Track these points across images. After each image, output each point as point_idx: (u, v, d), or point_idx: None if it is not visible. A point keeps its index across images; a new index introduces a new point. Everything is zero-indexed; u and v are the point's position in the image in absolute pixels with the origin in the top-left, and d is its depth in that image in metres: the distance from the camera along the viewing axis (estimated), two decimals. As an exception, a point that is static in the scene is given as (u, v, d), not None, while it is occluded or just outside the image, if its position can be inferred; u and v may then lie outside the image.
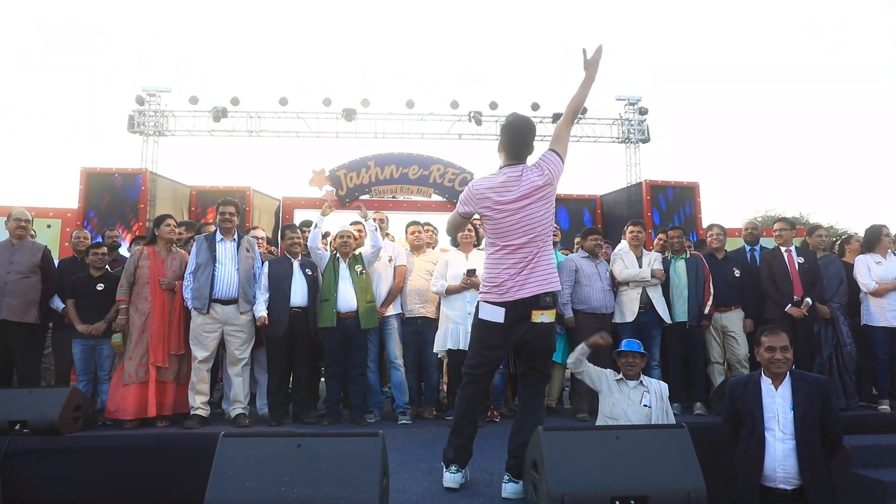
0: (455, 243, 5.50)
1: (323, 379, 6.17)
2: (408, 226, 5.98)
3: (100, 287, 5.22)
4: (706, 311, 5.46)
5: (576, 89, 3.28)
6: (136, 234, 8.65)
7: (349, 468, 2.35)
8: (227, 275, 4.94)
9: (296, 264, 5.25)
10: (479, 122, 12.73)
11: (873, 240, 5.61)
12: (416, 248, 5.80)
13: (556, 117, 12.76)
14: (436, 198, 11.35)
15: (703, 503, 2.51)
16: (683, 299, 5.44)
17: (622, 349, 4.39)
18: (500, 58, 61.71)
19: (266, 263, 5.21)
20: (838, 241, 6.45)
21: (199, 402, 4.87)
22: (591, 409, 5.39)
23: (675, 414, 5.06)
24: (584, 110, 12.87)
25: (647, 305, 5.40)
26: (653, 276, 5.40)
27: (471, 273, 4.98)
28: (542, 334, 3.13)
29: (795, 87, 57.33)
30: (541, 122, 12.90)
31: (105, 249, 5.46)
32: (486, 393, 3.38)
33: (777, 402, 3.21)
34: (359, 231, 5.54)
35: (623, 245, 5.74)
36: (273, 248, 6.90)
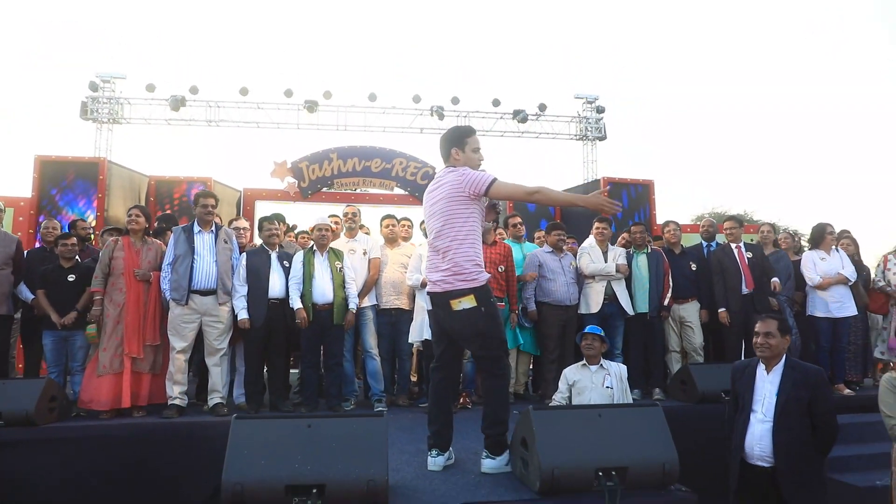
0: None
1: (294, 370, 6.27)
2: (382, 219, 6.11)
3: (71, 278, 5.19)
4: (665, 302, 5.79)
5: (562, 193, 3.52)
6: (97, 224, 8.51)
7: (358, 446, 2.51)
8: (206, 266, 4.97)
9: (273, 256, 5.32)
10: (441, 117, 12.91)
11: (818, 237, 6.06)
12: (391, 241, 5.94)
13: (515, 113, 13.07)
14: (398, 191, 11.45)
15: (676, 472, 2.78)
16: (645, 292, 5.76)
17: (584, 332, 4.68)
18: (462, 54, 61.98)
19: (244, 255, 5.27)
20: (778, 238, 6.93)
21: (177, 391, 4.90)
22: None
23: (634, 399, 5.40)
24: (544, 107, 13.23)
25: (611, 297, 5.70)
26: (617, 271, 5.69)
27: None
28: (466, 320, 3.23)
29: (737, 88, 59.48)
30: (500, 118, 13.20)
31: (74, 240, 5.41)
32: (453, 379, 3.55)
33: (766, 387, 3.44)
34: (336, 223, 5.65)
35: (590, 240, 6.02)
36: None
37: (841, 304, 5.78)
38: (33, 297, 5.28)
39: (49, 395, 4.55)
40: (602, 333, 4.65)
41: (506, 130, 13.40)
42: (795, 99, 57.08)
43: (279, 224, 5.71)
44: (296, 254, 5.43)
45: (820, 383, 3.39)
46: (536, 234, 7.01)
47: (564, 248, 6.00)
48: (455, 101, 12.94)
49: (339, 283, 5.29)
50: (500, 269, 5.53)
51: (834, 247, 5.99)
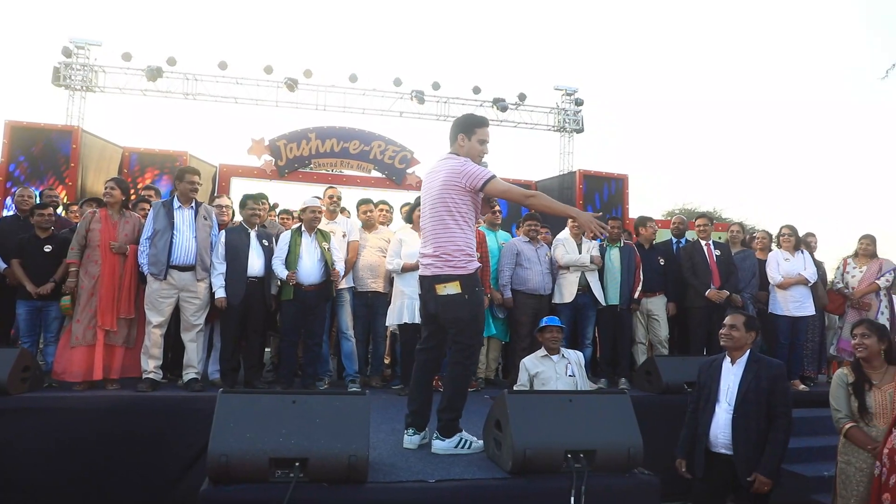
0: (409, 220, 5.74)
1: (267, 349, 6.32)
2: (359, 204, 6.16)
3: (47, 249, 5.17)
4: (636, 296, 5.98)
5: (557, 202, 3.50)
6: (69, 194, 8.39)
7: (341, 423, 2.60)
8: (185, 242, 4.97)
9: (253, 234, 5.34)
10: (421, 101, 12.93)
11: (777, 238, 6.32)
12: (368, 226, 6.01)
13: (496, 101, 13.14)
14: (375, 174, 11.47)
15: (640, 457, 2.94)
16: (616, 284, 5.93)
17: (543, 324, 4.83)
18: (444, 40, 61.58)
19: (223, 232, 5.28)
20: (751, 238, 7.16)
21: (151, 366, 4.92)
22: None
23: (600, 387, 5.61)
24: (523, 97, 13.33)
25: (584, 288, 5.87)
26: (591, 262, 5.85)
27: None
28: (447, 306, 3.31)
29: (711, 86, 60.36)
30: (481, 105, 13.25)
31: (51, 210, 5.37)
32: (437, 362, 3.65)
33: (730, 378, 3.65)
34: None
35: (565, 232, 6.16)
36: None
37: (800, 304, 6.03)
38: (6, 266, 5.22)
39: (22, 365, 4.54)
40: (561, 324, 4.82)
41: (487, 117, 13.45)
42: (767, 98, 58.20)
43: (262, 203, 5.74)
44: (281, 233, 5.46)
45: (779, 376, 3.58)
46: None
47: (539, 237, 6.13)
48: (436, 86, 12.95)
49: (328, 263, 5.34)
50: None
51: (800, 249, 6.22)
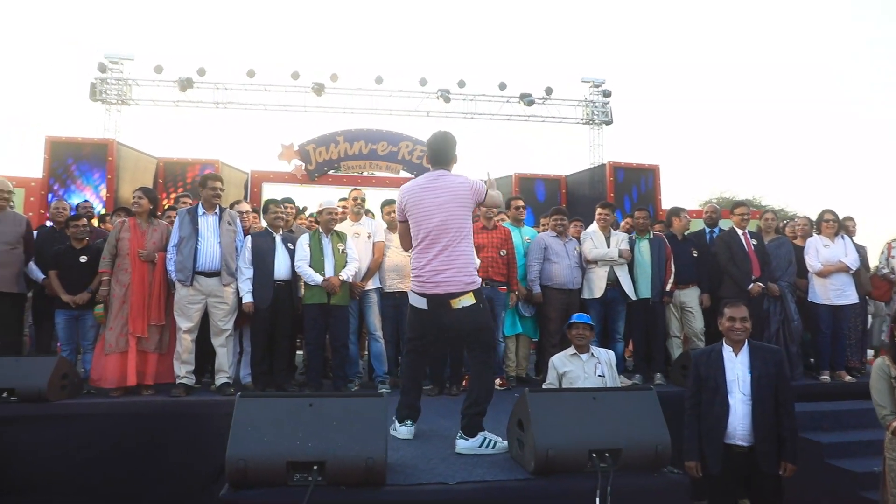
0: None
1: (300, 351, 6.36)
2: (383, 205, 6.14)
3: (83, 259, 5.30)
4: (668, 288, 5.83)
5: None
6: (106, 205, 8.61)
7: (357, 425, 2.58)
8: (210, 248, 5.03)
9: (278, 238, 5.37)
10: (447, 100, 12.90)
11: (818, 224, 6.08)
12: (393, 227, 5.99)
13: (522, 97, 13.02)
14: (404, 174, 11.49)
15: (668, 454, 2.84)
16: (647, 277, 5.79)
17: (572, 321, 4.73)
18: (468, 37, 61.43)
19: (249, 237, 5.33)
20: (785, 224, 6.92)
21: (184, 371, 5.00)
22: (559, 379, 5.74)
23: (635, 384, 5.47)
24: (550, 91, 13.18)
25: (613, 283, 5.74)
26: (620, 256, 5.73)
27: None
28: (467, 317, 3.42)
29: (749, 74, 58.85)
30: (507, 101, 13.17)
31: (85, 221, 5.50)
32: (423, 363, 3.87)
33: (737, 367, 3.58)
34: (344, 207, 5.70)
35: (593, 226, 6.05)
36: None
37: (841, 292, 5.80)
38: (44, 276, 5.37)
39: (61, 373, 4.67)
40: (590, 322, 4.69)
41: (512, 114, 13.37)
42: (806, 82, 56.46)
43: (287, 207, 5.77)
44: (300, 236, 5.49)
45: (782, 361, 3.62)
46: (542, 221, 7.03)
47: (569, 232, 6.03)
48: (461, 84, 12.90)
49: (342, 265, 5.35)
50: (501, 254, 5.58)
51: (840, 234, 5.98)
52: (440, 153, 3.62)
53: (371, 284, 5.70)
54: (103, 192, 8.93)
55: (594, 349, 4.68)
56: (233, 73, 12.66)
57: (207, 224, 5.09)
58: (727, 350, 3.66)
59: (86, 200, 7.31)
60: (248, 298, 5.12)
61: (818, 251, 5.89)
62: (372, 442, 2.55)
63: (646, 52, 59.43)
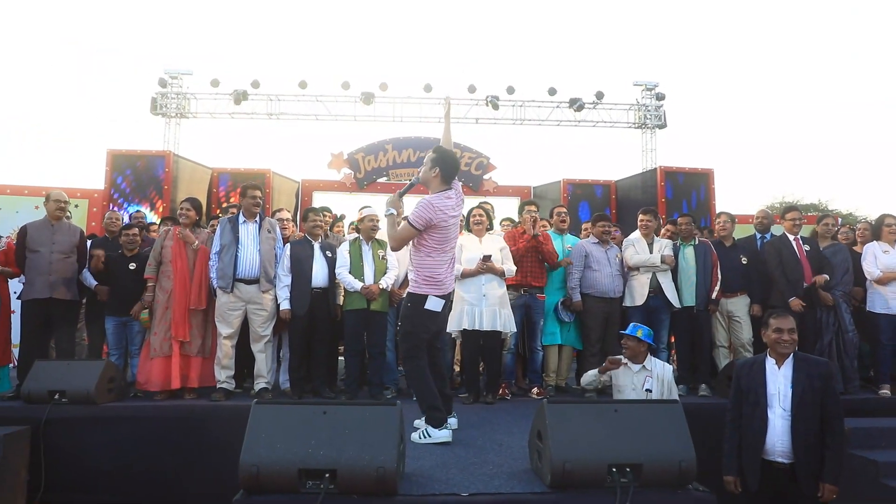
0: (468, 228, 5.67)
1: (341, 357, 6.43)
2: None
3: (132, 266, 5.51)
4: (713, 296, 5.60)
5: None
6: (161, 214, 8.94)
7: (369, 434, 2.57)
8: (249, 256, 5.16)
9: (316, 246, 5.45)
10: (495, 107, 12.84)
11: (878, 229, 5.73)
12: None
13: (572, 102, 12.85)
14: (452, 181, 11.48)
15: (692, 472, 2.70)
16: (691, 284, 5.59)
17: (622, 332, 4.60)
18: (517, 42, 61.18)
19: (288, 245, 5.43)
20: (846, 229, 6.57)
21: (224, 376, 5.14)
22: (598, 390, 5.60)
23: (680, 395, 5.26)
24: (601, 95, 12.95)
25: (656, 290, 5.57)
26: (663, 262, 5.55)
27: (486, 258, 5.17)
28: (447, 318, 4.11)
29: (813, 73, 56.39)
30: (557, 106, 13.01)
31: (136, 231, 5.73)
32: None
33: (779, 381, 3.40)
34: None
35: (635, 233, 5.89)
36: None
37: (903, 301, 5.45)
38: (96, 283, 5.62)
39: (108, 377, 4.87)
40: (637, 334, 4.52)
41: (562, 119, 13.20)
42: (881, 76, 53.61)
43: (325, 215, 5.85)
44: (340, 244, 5.56)
45: (829, 375, 3.39)
46: (583, 226, 6.91)
47: (610, 239, 5.90)
48: (510, 90, 12.82)
49: (382, 272, 5.39)
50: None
51: None
52: (456, 170, 3.97)
53: (409, 291, 5.69)
54: (160, 202, 9.27)
55: (652, 361, 4.53)
56: (286, 84, 12.97)
57: (248, 232, 5.22)
58: (770, 362, 3.49)
59: (138, 210, 7.63)
60: (285, 305, 5.21)
61: (877, 257, 5.56)
62: (384, 451, 2.54)
63: (700, 52, 57.80)
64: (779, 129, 52.11)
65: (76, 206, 9.11)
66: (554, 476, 2.65)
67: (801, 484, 3.23)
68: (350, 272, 5.32)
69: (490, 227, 5.66)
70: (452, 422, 3.96)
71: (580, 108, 12.85)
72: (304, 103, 12.88)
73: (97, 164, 9.99)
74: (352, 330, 5.38)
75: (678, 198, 9.99)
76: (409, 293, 4.01)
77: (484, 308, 5.12)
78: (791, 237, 5.78)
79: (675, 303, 5.59)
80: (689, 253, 5.71)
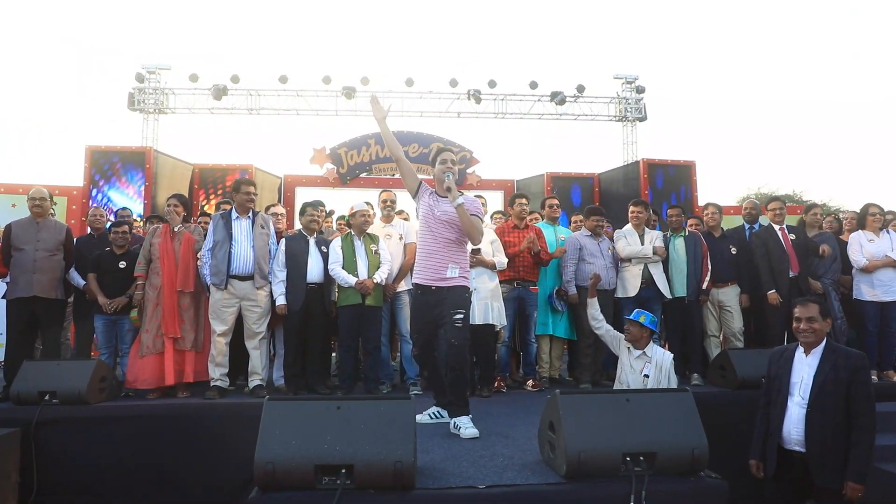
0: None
1: (334, 353, 6.39)
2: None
3: (122, 265, 5.40)
4: (704, 286, 5.68)
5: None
6: (143, 210, 8.79)
7: (385, 428, 2.56)
8: (243, 251, 5.08)
9: (312, 242, 5.40)
10: (478, 101, 12.84)
11: (862, 218, 5.86)
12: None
13: (553, 95, 12.89)
14: (435, 176, 11.46)
15: (705, 459, 2.74)
16: (682, 275, 5.66)
17: (626, 317, 4.64)
18: (498, 36, 61.21)
19: (283, 240, 5.37)
20: (831, 218, 6.70)
21: (218, 374, 5.07)
22: (593, 381, 5.65)
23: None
24: (582, 88, 13.01)
25: (648, 281, 5.62)
26: (654, 253, 5.61)
27: (475, 252, 5.19)
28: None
29: (787, 67, 57.37)
30: (538, 100, 13.05)
31: (126, 228, 5.61)
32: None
33: (803, 369, 3.36)
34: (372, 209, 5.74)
35: (627, 225, 5.94)
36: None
37: (888, 288, 5.57)
38: (84, 282, 5.50)
39: (99, 376, 4.76)
40: (640, 320, 4.57)
41: (543, 113, 13.24)
42: (851, 72, 54.74)
43: (320, 210, 5.80)
44: (333, 240, 5.51)
45: (860, 367, 3.26)
46: (573, 219, 6.95)
47: (602, 232, 5.94)
48: (492, 84, 12.82)
49: (375, 266, 5.35)
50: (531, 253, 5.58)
51: (888, 229, 5.77)
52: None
53: (403, 286, 5.68)
54: (140, 198, 9.10)
55: (652, 349, 4.57)
56: (266, 79, 12.86)
57: (241, 228, 5.14)
58: (799, 351, 3.45)
59: (124, 208, 7.48)
60: (281, 300, 5.16)
61: (862, 246, 5.68)
62: (401, 445, 2.53)
63: (679, 46, 58.42)
64: (753, 121, 52.99)
65: (55, 203, 8.94)
66: (570, 466, 2.67)
67: (813, 474, 3.21)
68: (343, 267, 5.27)
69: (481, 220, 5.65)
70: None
71: (562, 101, 12.91)
72: (285, 98, 12.76)
73: (75, 161, 9.73)
74: (347, 325, 5.34)
75: (666, 190, 10.08)
76: (459, 286, 3.96)
77: (475, 302, 5.11)
78: (776, 227, 5.88)
79: (667, 293, 5.65)
80: (679, 244, 5.78)
